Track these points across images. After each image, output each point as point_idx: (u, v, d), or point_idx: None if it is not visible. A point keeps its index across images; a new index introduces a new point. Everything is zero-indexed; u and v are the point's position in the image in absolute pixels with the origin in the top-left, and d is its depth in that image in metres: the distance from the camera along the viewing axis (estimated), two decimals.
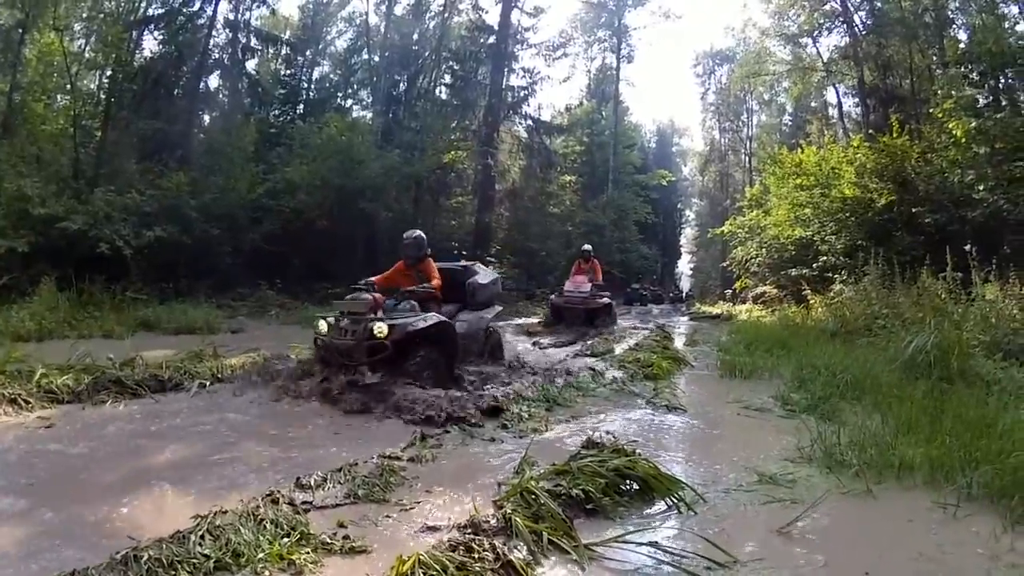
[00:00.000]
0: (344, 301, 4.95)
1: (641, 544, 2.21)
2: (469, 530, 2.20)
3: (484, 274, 6.31)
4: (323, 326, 4.83)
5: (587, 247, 12.07)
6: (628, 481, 2.71)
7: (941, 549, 2.21)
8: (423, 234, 5.66)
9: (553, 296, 11.68)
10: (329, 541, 2.16)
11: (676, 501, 2.62)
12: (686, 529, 2.39)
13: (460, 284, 5.85)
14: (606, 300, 10.94)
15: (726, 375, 6.05)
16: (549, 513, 2.33)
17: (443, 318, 5.06)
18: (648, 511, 2.59)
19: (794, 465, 3.12)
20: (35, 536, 2.21)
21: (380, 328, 4.47)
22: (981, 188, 10.39)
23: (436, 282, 5.37)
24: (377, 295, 4.87)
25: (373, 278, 5.34)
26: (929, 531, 2.37)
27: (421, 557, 1.93)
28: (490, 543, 2.05)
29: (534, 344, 8.71)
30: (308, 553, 2.07)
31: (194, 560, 1.94)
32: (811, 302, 10.92)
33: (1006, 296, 6.55)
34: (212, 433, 3.68)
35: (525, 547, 2.13)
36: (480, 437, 3.72)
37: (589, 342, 8.43)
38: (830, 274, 11.23)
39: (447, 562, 1.92)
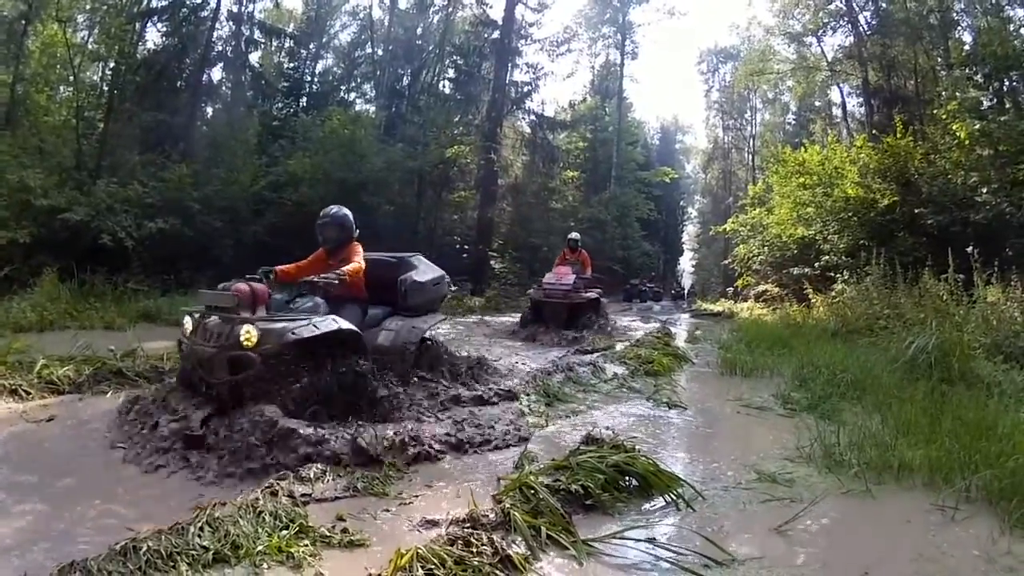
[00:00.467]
0: (210, 292, 3.64)
1: (639, 541, 2.21)
2: (468, 524, 2.20)
3: (424, 269, 4.62)
4: (188, 324, 3.54)
5: (574, 235, 10.34)
6: (627, 477, 2.71)
7: (939, 550, 2.21)
8: (347, 211, 4.21)
9: (532, 290, 9.77)
10: (328, 534, 2.16)
11: (675, 498, 2.62)
12: (685, 526, 2.40)
13: (394, 282, 4.36)
14: (593, 295, 9.33)
15: (727, 373, 6.05)
16: (548, 508, 2.33)
17: (350, 326, 3.55)
18: (647, 507, 2.59)
19: (793, 464, 3.12)
20: (33, 527, 2.21)
21: (247, 333, 3.15)
22: (984, 191, 10.38)
23: (353, 266, 3.91)
24: (259, 285, 3.48)
25: (281, 267, 4.06)
26: (928, 532, 2.37)
27: (420, 551, 1.93)
28: (489, 538, 2.05)
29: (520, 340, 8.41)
30: (307, 546, 2.07)
31: (193, 552, 1.93)
32: (813, 301, 10.94)
33: (1008, 299, 6.55)
34: None
35: (524, 542, 2.13)
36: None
37: (590, 337, 7.95)
38: (832, 273, 11.21)
39: (445, 556, 1.93)
